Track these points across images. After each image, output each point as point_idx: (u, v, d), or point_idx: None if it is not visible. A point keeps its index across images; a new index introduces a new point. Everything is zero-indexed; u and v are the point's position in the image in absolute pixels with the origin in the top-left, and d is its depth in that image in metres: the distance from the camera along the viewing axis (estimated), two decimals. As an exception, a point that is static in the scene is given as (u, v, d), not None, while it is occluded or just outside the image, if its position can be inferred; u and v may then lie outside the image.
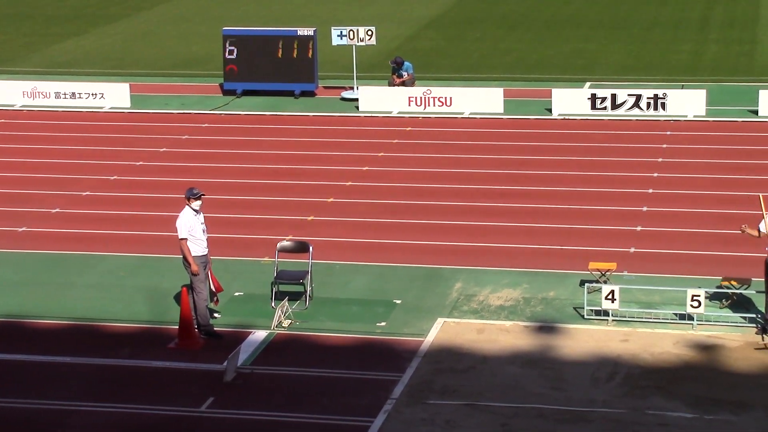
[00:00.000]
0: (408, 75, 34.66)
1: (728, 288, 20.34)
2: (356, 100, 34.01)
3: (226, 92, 35.64)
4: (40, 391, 18.17)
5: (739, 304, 20.20)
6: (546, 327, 19.93)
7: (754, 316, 19.71)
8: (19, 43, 43.53)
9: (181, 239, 19.65)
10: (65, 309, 21.14)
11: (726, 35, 41.56)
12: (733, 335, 19.42)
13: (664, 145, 29.63)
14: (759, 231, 19.43)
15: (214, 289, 20.04)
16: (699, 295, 19.47)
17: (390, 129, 31.84)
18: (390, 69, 35.12)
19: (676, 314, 19.99)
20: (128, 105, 34.47)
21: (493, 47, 41.02)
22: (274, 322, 20.17)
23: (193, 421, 17.33)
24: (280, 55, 35.07)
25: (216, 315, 20.52)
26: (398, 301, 21.08)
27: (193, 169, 28.79)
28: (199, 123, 32.86)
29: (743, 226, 19.59)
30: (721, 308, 20.22)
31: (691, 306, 19.50)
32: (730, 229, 23.33)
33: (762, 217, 19.34)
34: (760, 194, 19.70)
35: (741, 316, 19.80)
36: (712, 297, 20.37)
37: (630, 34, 42.11)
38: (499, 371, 18.52)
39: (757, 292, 20.01)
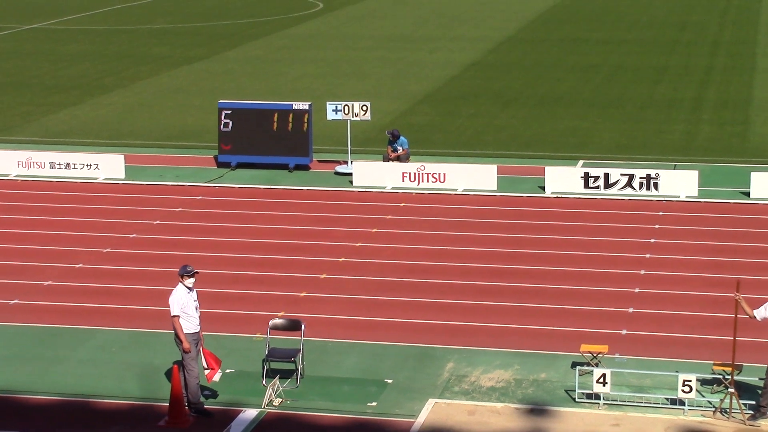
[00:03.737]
0: (403, 150, 34.84)
1: (720, 373, 20.31)
2: (350, 174, 34.14)
3: (221, 164, 35.77)
4: (29, 468, 18.10)
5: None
6: (537, 410, 19.90)
7: (747, 402, 19.67)
8: (15, 113, 43.71)
9: (173, 316, 19.66)
10: (56, 385, 21.08)
11: (719, 116, 41.83)
12: (724, 421, 19.38)
13: (656, 226, 29.74)
14: (754, 314, 19.46)
15: (205, 366, 19.98)
16: (690, 381, 19.47)
17: (384, 205, 31.94)
18: (386, 140, 35.31)
19: (667, 399, 19.98)
20: (123, 176, 34.57)
21: (488, 123, 41.25)
22: (265, 401, 20.12)
23: (182, 502, 17.23)
24: (275, 128, 35.25)
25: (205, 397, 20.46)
26: (389, 381, 21.05)
27: (187, 243, 28.83)
28: (194, 195, 32.95)
29: (739, 296, 19.54)
30: (712, 393, 20.21)
31: (683, 391, 19.50)
32: (722, 313, 23.36)
33: (759, 302, 19.37)
34: (737, 294, 19.64)
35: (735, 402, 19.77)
36: (704, 382, 20.35)
37: (623, 113, 42.38)
38: (489, 454, 18.47)
39: (760, 379, 19.98)
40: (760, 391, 19.68)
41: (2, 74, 51.58)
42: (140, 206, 31.93)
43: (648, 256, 27.55)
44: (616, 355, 21.78)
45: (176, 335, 19.70)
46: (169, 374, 20.63)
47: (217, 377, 20.00)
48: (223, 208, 31.78)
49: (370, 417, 19.77)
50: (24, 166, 35.12)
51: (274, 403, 20.14)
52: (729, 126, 40.29)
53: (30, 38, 62.12)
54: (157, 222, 30.61)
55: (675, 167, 34.27)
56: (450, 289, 25.57)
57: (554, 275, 26.31)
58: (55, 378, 21.34)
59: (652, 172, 32.31)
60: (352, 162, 34.65)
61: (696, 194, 31.96)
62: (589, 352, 21.13)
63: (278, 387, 20.40)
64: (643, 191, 32.15)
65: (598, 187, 32.42)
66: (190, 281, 19.81)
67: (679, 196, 31.96)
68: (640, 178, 32.24)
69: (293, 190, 33.39)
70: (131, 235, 29.48)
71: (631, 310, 24.27)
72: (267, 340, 21.24)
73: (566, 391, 20.53)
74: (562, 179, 32.71)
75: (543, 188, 32.71)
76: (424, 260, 27.40)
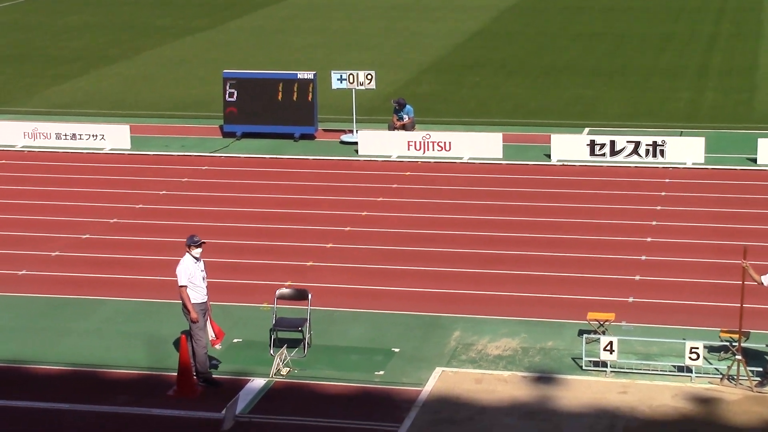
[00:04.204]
0: (409, 118, 34.78)
1: (727, 340, 20.31)
2: (356, 143, 34.11)
3: (226, 134, 35.74)
4: (38, 438, 18.17)
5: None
6: (544, 378, 19.93)
7: (754, 369, 19.69)
8: (19, 85, 43.66)
9: (181, 286, 19.68)
10: (63, 355, 21.13)
11: (725, 83, 41.71)
12: (731, 388, 19.41)
13: (663, 193, 29.70)
14: (761, 280, 19.46)
15: (214, 336, 20.04)
16: (697, 348, 19.48)
17: (389, 173, 31.91)
18: (391, 109, 35.26)
19: (674, 366, 20.00)
20: (128, 147, 34.55)
21: (492, 93, 41.16)
22: (273, 370, 20.15)
23: (191, 471, 17.30)
24: (280, 98, 35.20)
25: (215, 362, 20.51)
26: (396, 350, 21.08)
27: (193, 213, 28.84)
28: (199, 165, 32.93)
29: (746, 263, 19.54)
30: (720, 360, 20.22)
31: (690, 358, 19.51)
32: (729, 279, 23.35)
33: (766, 269, 19.37)
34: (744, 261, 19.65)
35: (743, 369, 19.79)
36: (711, 349, 20.37)
37: (628, 81, 42.25)
38: (497, 422, 18.51)
39: (767, 345, 20.01)
40: (767, 358, 19.70)
41: (5, 47, 51.50)
42: (146, 176, 31.93)
43: (654, 223, 27.52)
44: (623, 323, 21.80)
45: (184, 305, 19.72)
46: (176, 344, 20.68)
47: (218, 347, 20.09)
48: (228, 178, 31.77)
49: (378, 386, 19.80)
50: (30, 137, 35.10)
51: (281, 373, 20.18)
52: (735, 93, 40.17)
53: (32, 10, 61.98)
54: (164, 192, 30.61)
55: (681, 134, 34.20)
56: (456, 257, 25.57)
57: (560, 243, 26.30)
58: (63, 348, 21.39)
59: (659, 139, 32.25)
60: (357, 131, 34.61)
61: (702, 161, 31.91)
62: (596, 320, 21.14)
63: (286, 356, 20.43)
64: (650, 158, 32.10)
65: (604, 154, 32.36)
66: (197, 251, 19.81)
67: (685, 163, 31.91)
68: (646, 145, 32.18)
69: (299, 160, 33.36)
70: (138, 206, 29.49)
71: (637, 277, 24.27)
72: (274, 310, 21.26)
73: (573, 359, 20.56)
74: (568, 147, 32.66)
75: (549, 156, 32.67)
76: (430, 229, 27.39)
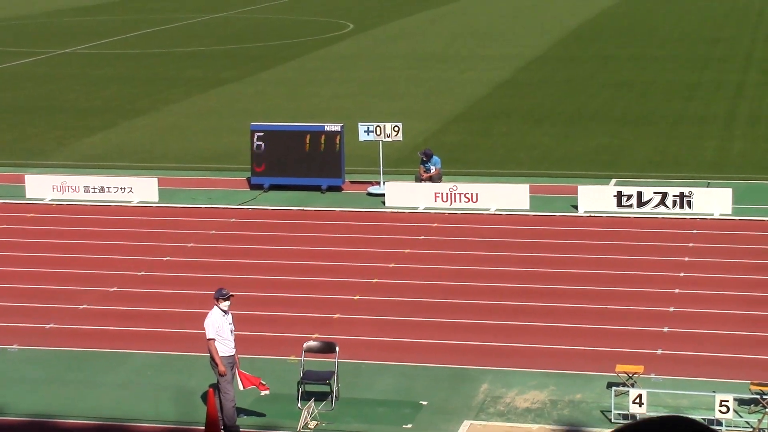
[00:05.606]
0: (436, 170, 34.85)
1: (758, 393, 20.17)
2: (383, 195, 34.17)
3: (254, 186, 35.88)
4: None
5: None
6: (573, 431, 19.82)
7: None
8: (49, 137, 43.98)
9: (209, 339, 19.73)
10: (91, 408, 21.17)
11: (752, 131, 41.65)
12: (762, 441, 19.29)
13: (690, 244, 29.62)
14: None
15: (241, 387, 19.99)
16: (727, 401, 19.36)
17: (416, 225, 31.95)
18: (418, 160, 35.34)
19: (704, 419, 19.84)
20: (156, 199, 34.71)
21: (519, 142, 41.22)
22: (301, 423, 20.13)
23: None
24: (307, 150, 35.35)
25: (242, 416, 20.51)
26: (424, 403, 21.03)
27: (220, 265, 28.92)
28: (227, 218, 33.05)
29: None
30: (750, 413, 20.08)
31: (720, 411, 19.39)
32: (758, 331, 23.24)
33: None
34: None
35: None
36: (741, 402, 20.23)
37: (656, 130, 42.24)
38: (525, 476, 18.42)
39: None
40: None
41: (37, 99, 51.95)
42: (174, 229, 32.05)
43: (682, 274, 27.43)
44: (652, 375, 21.69)
45: (212, 358, 19.75)
46: (204, 397, 20.69)
47: (264, 393, 20.10)
48: (256, 230, 31.87)
49: (406, 439, 19.76)
50: (58, 190, 35.31)
51: (309, 426, 20.15)
52: (762, 142, 40.09)
53: (64, 63, 62.55)
54: (191, 245, 30.72)
55: (708, 185, 34.12)
56: (484, 309, 25.53)
57: (588, 295, 26.24)
58: (91, 402, 21.43)
59: (686, 190, 32.19)
60: (384, 183, 34.68)
61: (730, 212, 31.81)
62: (625, 373, 21.05)
63: (313, 409, 20.41)
64: (677, 209, 32.03)
65: (631, 205, 32.31)
66: (225, 304, 19.87)
67: (712, 214, 31.81)
68: (674, 196, 32.12)
69: (326, 212, 33.44)
70: (165, 258, 29.60)
71: (666, 329, 24.17)
72: (302, 363, 21.26)
73: (602, 411, 20.46)
74: (595, 198, 32.63)
75: (576, 207, 32.65)
76: (457, 281, 27.38)
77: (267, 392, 20.23)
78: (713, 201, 31.98)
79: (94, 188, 35.13)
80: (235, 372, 19.99)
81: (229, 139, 42.54)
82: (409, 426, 20.18)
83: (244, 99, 50.51)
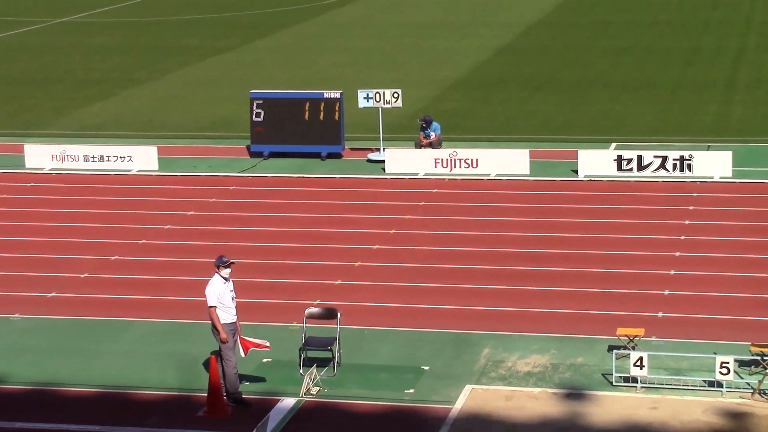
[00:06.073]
0: (435, 136, 34.81)
1: (758, 354, 20.21)
2: (383, 161, 34.14)
3: (254, 154, 35.85)
4: (70, 460, 18.24)
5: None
6: (574, 394, 19.88)
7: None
8: (48, 107, 43.92)
9: (210, 307, 19.74)
10: (94, 376, 21.21)
11: (752, 96, 41.58)
12: (763, 403, 19.31)
13: (691, 207, 29.62)
14: None
15: (243, 354, 20.01)
16: (728, 362, 19.40)
17: (416, 191, 31.93)
18: (418, 127, 35.30)
19: (705, 381, 19.91)
20: (156, 168, 34.69)
21: (519, 109, 41.16)
22: (303, 390, 20.18)
23: (222, 491, 17.32)
24: (306, 118, 35.31)
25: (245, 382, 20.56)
26: (426, 368, 21.07)
27: (221, 233, 28.93)
28: (227, 186, 33.04)
29: None
30: (750, 374, 20.13)
31: (720, 373, 19.43)
32: (759, 293, 23.27)
33: None
34: None
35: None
36: (741, 363, 20.27)
37: (656, 96, 42.17)
38: (528, 439, 18.48)
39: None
40: (798, 372, 19.62)
41: (35, 69, 51.85)
42: (174, 197, 32.05)
43: (683, 237, 27.44)
44: (653, 338, 21.73)
45: (213, 326, 19.78)
46: (206, 365, 20.72)
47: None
48: (256, 198, 31.86)
49: (408, 404, 19.79)
50: (58, 159, 35.28)
51: (311, 392, 20.20)
52: (763, 106, 40.03)
53: (61, 32, 62.40)
54: (192, 213, 30.72)
55: (708, 148, 34.10)
56: (484, 274, 25.56)
57: (589, 259, 26.26)
58: (94, 370, 21.47)
59: (686, 154, 32.16)
60: (384, 149, 34.65)
61: (730, 174, 31.80)
62: (626, 336, 21.09)
63: (315, 376, 20.45)
64: (677, 173, 32.01)
65: (631, 169, 32.29)
66: (226, 271, 19.88)
67: (713, 177, 31.80)
68: (674, 159, 32.10)
69: (326, 179, 33.44)
70: (166, 227, 29.60)
71: (667, 292, 24.20)
72: (303, 329, 21.30)
73: (603, 374, 20.50)
74: (595, 162, 32.61)
75: (576, 172, 32.62)
76: (457, 246, 27.40)
77: (267, 348, 20.18)
78: (713, 164, 31.95)
79: (93, 157, 35.09)
80: (236, 339, 20.01)
81: (228, 107, 42.47)
82: (411, 391, 20.22)
83: (242, 67, 50.40)
